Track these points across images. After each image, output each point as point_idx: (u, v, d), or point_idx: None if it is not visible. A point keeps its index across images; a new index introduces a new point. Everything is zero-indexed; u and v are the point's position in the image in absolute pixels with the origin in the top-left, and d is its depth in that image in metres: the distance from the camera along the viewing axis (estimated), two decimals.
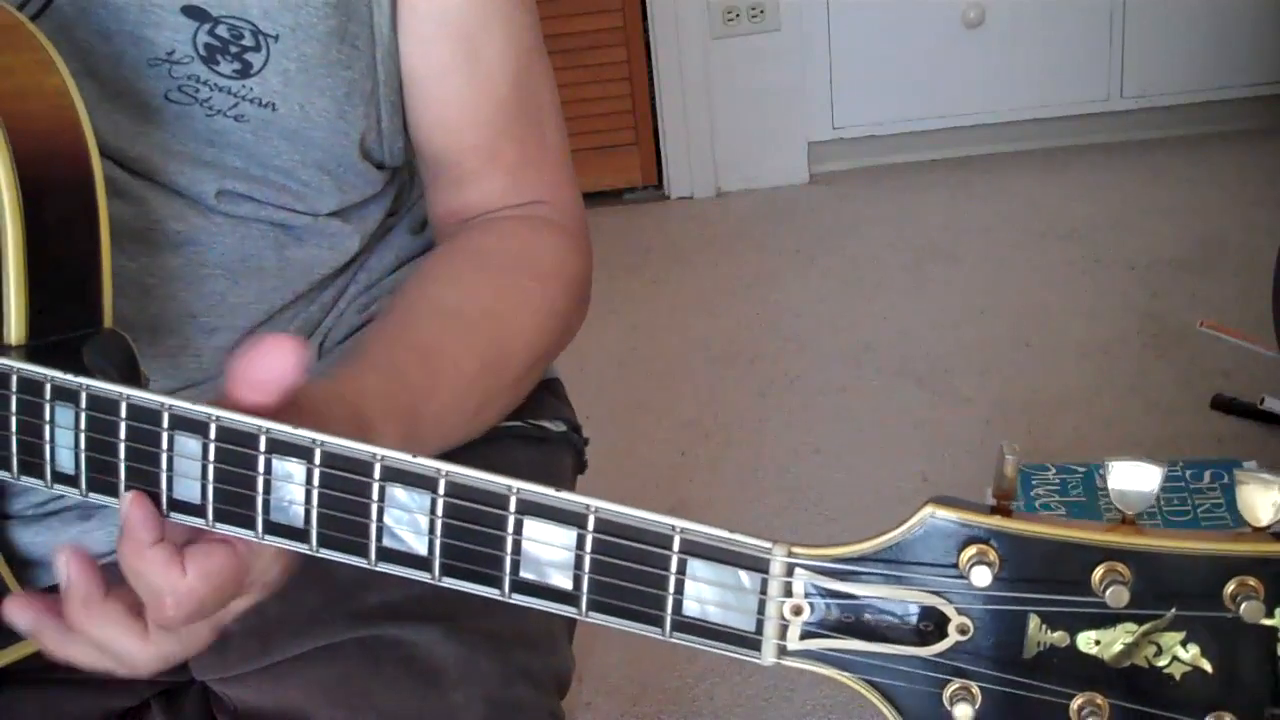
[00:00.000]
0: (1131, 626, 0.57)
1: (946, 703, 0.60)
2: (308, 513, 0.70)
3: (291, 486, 0.71)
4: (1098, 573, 0.56)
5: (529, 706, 1.03)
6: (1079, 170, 3.73)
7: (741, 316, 3.27)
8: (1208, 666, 0.57)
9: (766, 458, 2.72)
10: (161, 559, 0.72)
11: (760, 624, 0.62)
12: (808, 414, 2.85)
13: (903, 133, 3.84)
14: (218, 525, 0.74)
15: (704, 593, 0.63)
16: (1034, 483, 2.38)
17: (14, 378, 0.78)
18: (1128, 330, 2.97)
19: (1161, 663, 0.57)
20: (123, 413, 0.75)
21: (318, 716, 1.00)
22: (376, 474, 0.68)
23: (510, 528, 0.66)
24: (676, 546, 0.63)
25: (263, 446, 0.71)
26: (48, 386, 0.77)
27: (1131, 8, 3.65)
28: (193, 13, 0.92)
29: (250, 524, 0.73)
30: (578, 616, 0.66)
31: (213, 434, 0.72)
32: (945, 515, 0.58)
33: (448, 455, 0.71)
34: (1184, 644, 0.57)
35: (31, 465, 0.79)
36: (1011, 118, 3.80)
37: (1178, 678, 0.57)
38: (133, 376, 0.84)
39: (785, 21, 3.71)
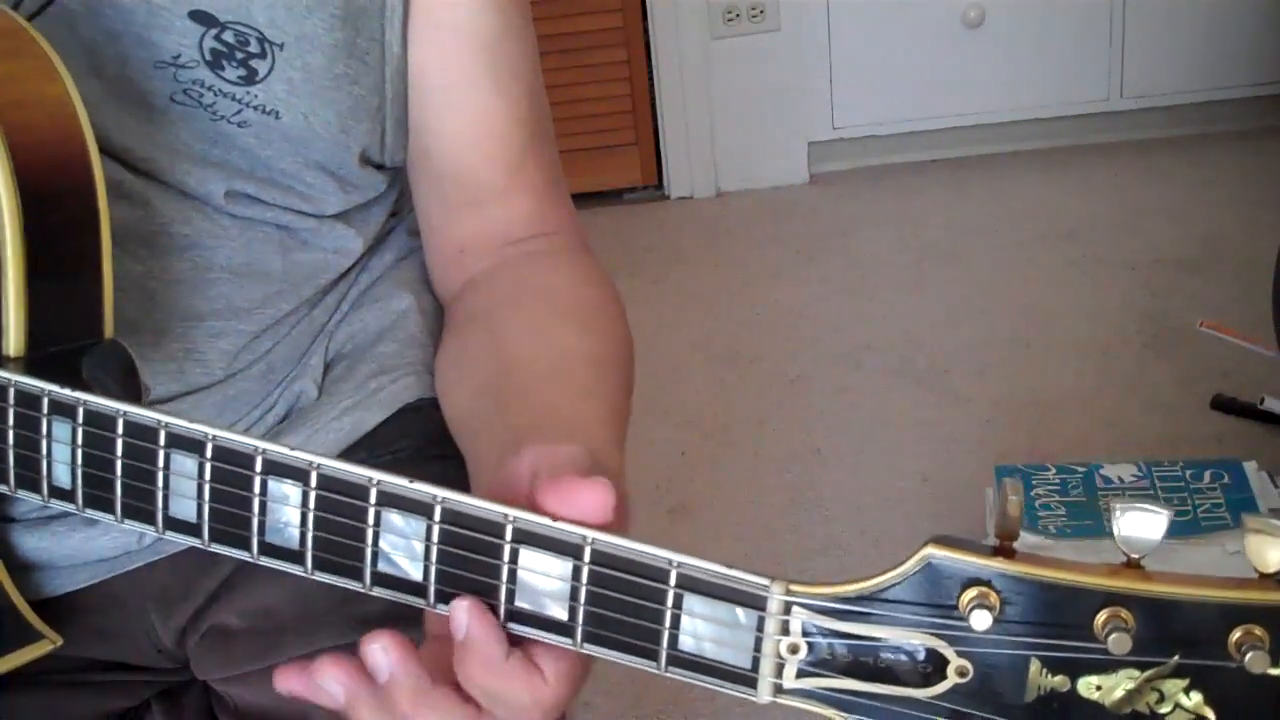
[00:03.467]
0: (1134, 672, 0.56)
1: None
2: (303, 535, 0.70)
3: (287, 509, 0.71)
4: (1100, 618, 0.56)
5: None
6: (1079, 170, 3.73)
7: (741, 316, 3.27)
8: (1211, 715, 0.56)
9: (766, 458, 2.72)
10: (522, 672, 0.67)
11: (756, 661, 0.62)
12: (808, 414, 2.85)
13: (903, 133, 3.83)
14: (213, 545, 0.74)
15: (700, 628, 0.62)
16: (1034, 483, 2.37)
17: (11, 390, 0.78)
18: (1128, 330, 2.97)
19: (1164, 710, 0.56)
20: (119, 429, 0.75)
21: (318, 716, 1.00)
22: (373, 499, 0.68)
23: (506, 556, 0.65)
24: (673, 581, 0.62)
25: (259, 468, 0.71)
26: (45, 400, 0.77)
27: (1131, 8, 3.64)
28: (200, 17, 0.92)
29: (245, 545, 0.73)
30: (573, 647, 0.66)
31: (209, 453, 0.72)
32: (946, 555, 0.58)
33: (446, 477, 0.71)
34: (1187, 691, 0.56)
35: (28, 479, 0.79)
36: (1011, 118, 3.80)
37: None
38: (132, 388, 0.84)
39: (785, 21, 3.71)
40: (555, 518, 0.65)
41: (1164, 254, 3.25)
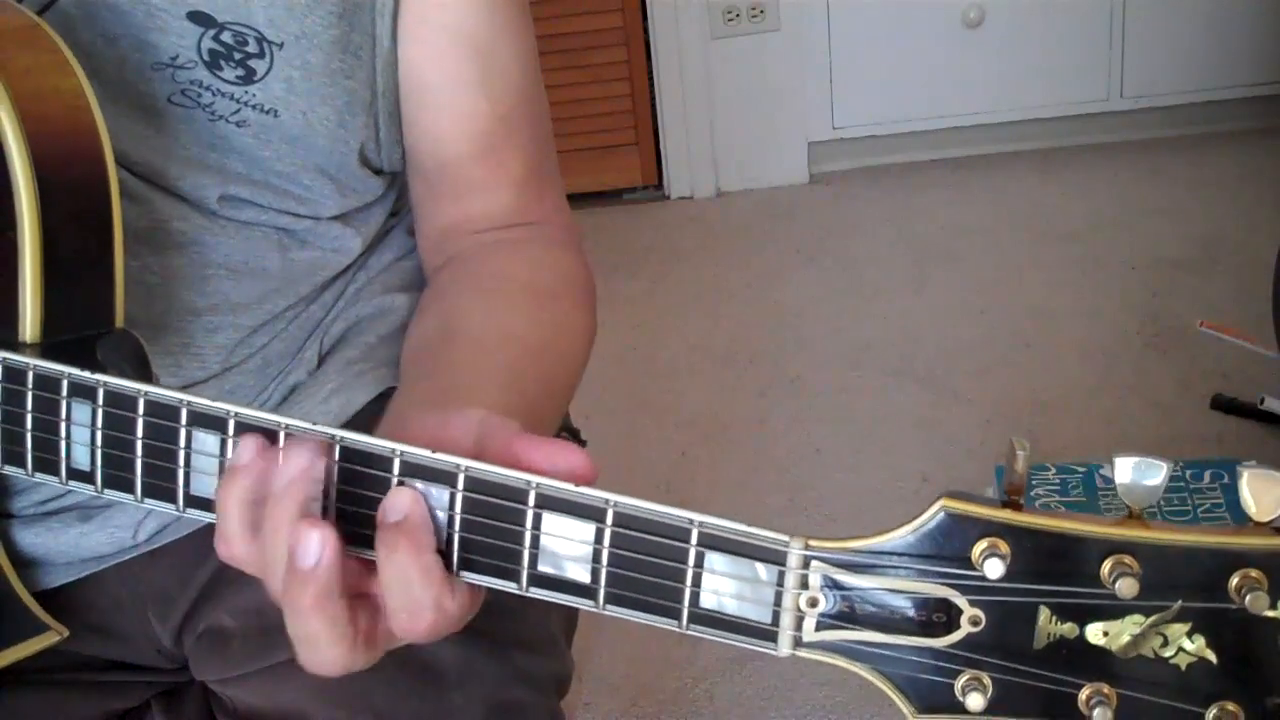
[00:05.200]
0: (1139, 618, 0.58)
1: (959, 693, 0.61)
2: (326, 508, 0.70)
3: None
4: (1106, 565, 0.57)
5: (529, 708, 1.03)
6: (1079, 170, 3.73)
7: (741, 316, 3.27)
8: (1212, 657, 0.58)
9: (766, 458, 2.73)
10: (441, 573, 0.68)
11: (776, 616, 0.63)
12: (808, 414, 2.85)
13: (903, 133, 3.84)
14: None
15: (721, 585, 0.63)
16: (1034, 483, 2.38)
17: (30, 374, 0.79)
18: (1128, 330, 2.97)
19: (1167, 653, 0.58)
20: (140, 409, 0.75)
21: (317, 717, 1.00)
22: (396, 469, 0.69)
23: (529, 522, 0.66)
24: (694, 540, 0.63)
25: (283, 443, 0.71)
26: (65, 383, 0.78)
27: (1131, 8, 3.64)
28: (198, 18, 0.92)
29: None
30: (595, 609, 0.66)
31: (231, 430, 0.72)
32: (958, 509, 0.59)
33: None
34: (1189, 635, 0.58)
35: (46, 462, 0.80)
36: (1011, 118, 3.80)
37: (1183, 668, 0.58)
38: (144, 375, 0.84)
39: (785, 21, 3.71)
40: (540, 472, 0.67)
41: (1164, 254, 3.26)
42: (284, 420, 0.71)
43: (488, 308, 1.01)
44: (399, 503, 0.68)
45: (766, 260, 3.52)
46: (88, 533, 0.99)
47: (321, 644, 0.70)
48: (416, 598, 0.68)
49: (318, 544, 0.67)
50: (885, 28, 3.70)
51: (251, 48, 0.93)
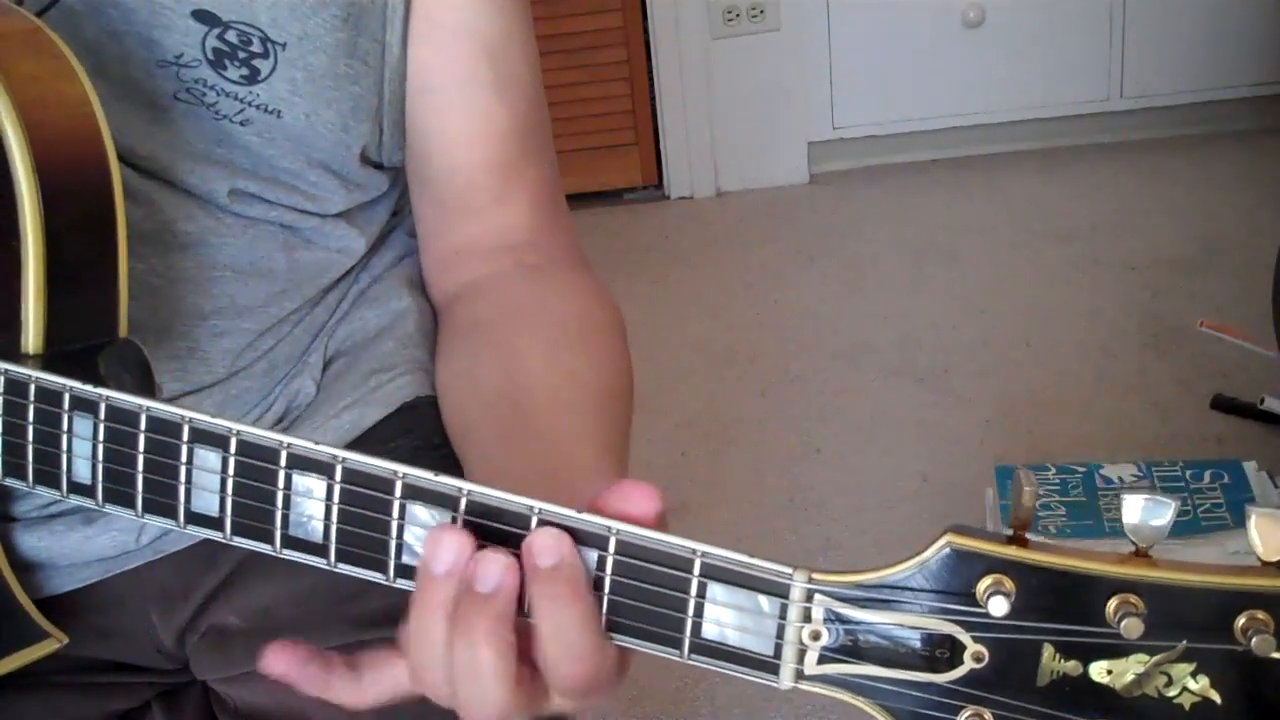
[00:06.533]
0: (1143, 657, 0.57)
1: None
2: (327, 528, 0.70)
3: (311, 502, 0.71)
4: (1111, 604, 0.57)
5: None
6: (1079, 170, 3.73)
7: (741, 316, 3.27)
8: (1217, 698, 0.57)
9: (766, 458, 2.73)
10: (598, 615, 0.66)
11: (778, 648, 0.63)
12: (808, 414, 2.85)
13: (903, 133, 3.84)
14: (235, 539, 0.74)
15: (723, 616, 0.63)
16: None
17: (32, 387, 0.78)
18: (1128, 330, 2.97)
19: (1172, 693, 0.58)
20: (142, 424, 0.75)
21: (317, 716, 1.00)
22: (397, 491, 0.68)
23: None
24: (697, 570, 0.63)
25: (283, 461, 0.71)
26: (66, 396, 0.77)
27: (1131, 8, 3.64)
28: (203, 17, 0.92)
29: (268, 538, 0.73)
30: None
31: (233, 448, 0.72)
32: (963, 545, 0.59)
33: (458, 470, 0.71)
34: (1194, 675, 0.57)
35: (47, 475, 0.79)
36: (1011, 118, 3.80)
37: (1187, 708, 0.58)
38: (147, 386, 0.84)
39: (785, 21, 3.71)
40: (613, 515, 0.65)
41: (1164, 254, 3.26)
42: (285, 439, 0.71)
43: (551, 356, 0.98)
44: (543, 544, 0.65)
45: (766, 260, 3.52)
46: (91, 536, 0.99)
47: (488, 678, 0.66)
48: (577, 643, 0.65)
49: (498, 569, 0.65)
50: (885, 28, 3.70)
51: (256, 47, 0.93)
